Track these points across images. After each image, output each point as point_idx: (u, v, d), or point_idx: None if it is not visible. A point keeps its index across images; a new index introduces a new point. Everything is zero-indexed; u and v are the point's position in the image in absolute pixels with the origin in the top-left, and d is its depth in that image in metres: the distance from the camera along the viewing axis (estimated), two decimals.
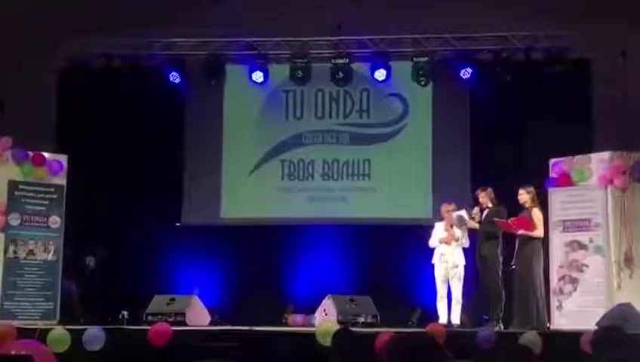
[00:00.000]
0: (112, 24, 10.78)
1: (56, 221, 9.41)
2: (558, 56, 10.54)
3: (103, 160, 11.01)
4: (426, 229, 10.49)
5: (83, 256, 10.51)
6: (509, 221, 8.87)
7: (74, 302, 9.67)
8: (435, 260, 9.23)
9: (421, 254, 9.74)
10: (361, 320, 8.66)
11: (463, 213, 9.21)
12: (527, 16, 10.48)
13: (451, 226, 9.17)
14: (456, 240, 9.12)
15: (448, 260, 9.10)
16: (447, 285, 9.16)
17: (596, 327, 7.60)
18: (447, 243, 9.13)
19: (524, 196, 8.95)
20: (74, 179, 9.61)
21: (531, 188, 8.99)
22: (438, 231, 9.27)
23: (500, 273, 8.98)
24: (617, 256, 8.64)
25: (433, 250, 9.33)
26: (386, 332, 6.85)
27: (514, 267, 8.91)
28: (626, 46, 10.15)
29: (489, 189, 9.26)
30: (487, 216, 9.15)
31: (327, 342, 6.73)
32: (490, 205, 9.19)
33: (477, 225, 9.14)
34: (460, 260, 9.12)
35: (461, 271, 9.11)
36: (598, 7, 10.04)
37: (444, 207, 9.35)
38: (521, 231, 8.82)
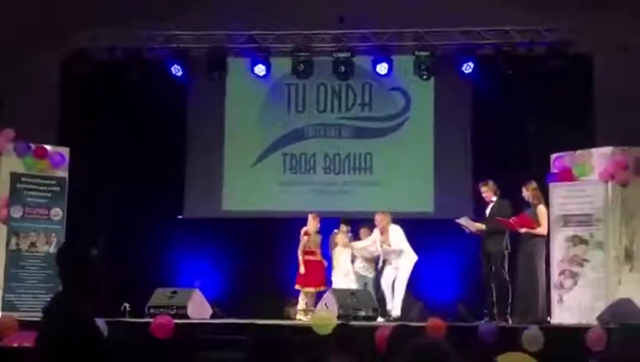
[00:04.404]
0: (115, 17, 10.77)
1: (58, 213, 9.45)
2: (559, 50, 10.52)
3: (105, 152, 11.01)
4: (428, 223, 10.53)
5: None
6: (510, 220, 8.86)
7: None
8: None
9: (423, 248, 9.77)
10: (362, 313, 8.67)
11: (464, 220, 9.22)
12: (529, 10, 10.47)
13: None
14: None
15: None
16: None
17: (597, 322, 7.66)
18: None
19: (526, 193, 8.95)
20: (76, 171, 9.63)
21: (533, 184, 8.96)
22: None
23: (507, 268, 8.99)
24: (618, 251, 8.66)
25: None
26: (386, 326, 6.87)
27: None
28: (628, 40, 10.14)
29: (490, 182, 9.24)
30: (491, 211, 9.14)
31: (323, 331, 6.79)
32: (493, 198, 9.17)
33: (483, 227, 9.13)
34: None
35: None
36: (599, 1, 10.03)
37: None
38: (524, 229, 8.82)
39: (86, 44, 11.05)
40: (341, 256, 9.74)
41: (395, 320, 8.93)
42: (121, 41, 11.05)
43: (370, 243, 9.66)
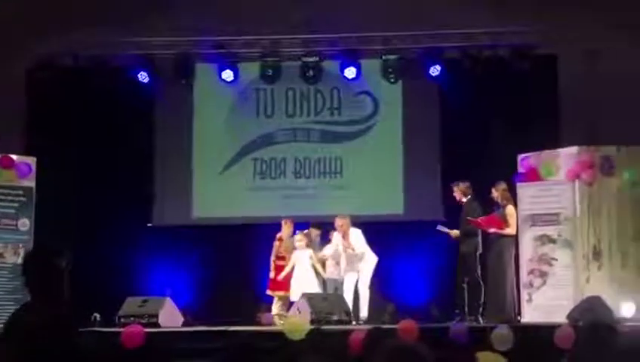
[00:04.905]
0: (80, 23, 10.67)
1: (25, 224, 9.33)
2: (525, 52, 10.64)
3: (72, 160, 10.89)
4: (398, 224, 10.57)
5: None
6: (479, 220, 8.97)
7: None
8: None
9: (394, 249, 9.80)
10: (335, 317, 8.67)
11: (441, 227, 9.28)
12: (494, 12, 10.57)
13: None
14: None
15: None
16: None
17: (567, 321, 7.74)
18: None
19: (495, 194, 9.06)
20: (43, 180, 9.51)
21: (503, 185, 9.09)
22: None
23: (479, 270, 9.07)
24: (586, 250, 8.76)
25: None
26: (359, 329, 6.88)
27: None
28: (591, 41, 10.28)
29: (461, 184, 9.34)
30: (462, 212, 9.23)
31: (295, 337, 6.79)
32: (464, 199, 9.28)
33: (458, 232, 9.21)
34: None
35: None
36: (563, 3, 10.16)
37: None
38: (492, 230, 8.92)
39: (51, 50, 10.92)
40: (299, 259, 9.71)
41: (364, 322, 8.95)
42: (86, 47, 10.93)
43: (335, 248, 9.66)
